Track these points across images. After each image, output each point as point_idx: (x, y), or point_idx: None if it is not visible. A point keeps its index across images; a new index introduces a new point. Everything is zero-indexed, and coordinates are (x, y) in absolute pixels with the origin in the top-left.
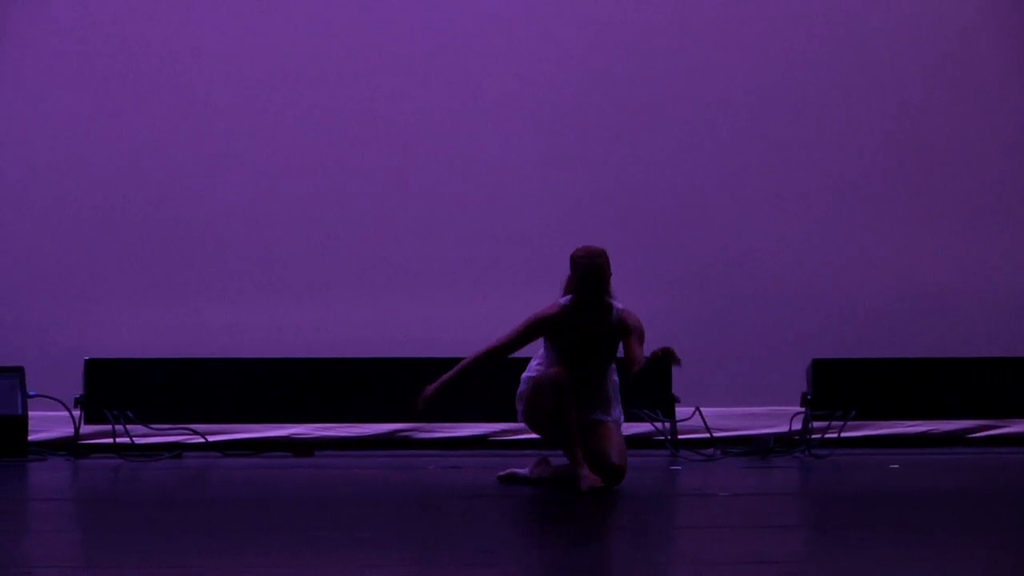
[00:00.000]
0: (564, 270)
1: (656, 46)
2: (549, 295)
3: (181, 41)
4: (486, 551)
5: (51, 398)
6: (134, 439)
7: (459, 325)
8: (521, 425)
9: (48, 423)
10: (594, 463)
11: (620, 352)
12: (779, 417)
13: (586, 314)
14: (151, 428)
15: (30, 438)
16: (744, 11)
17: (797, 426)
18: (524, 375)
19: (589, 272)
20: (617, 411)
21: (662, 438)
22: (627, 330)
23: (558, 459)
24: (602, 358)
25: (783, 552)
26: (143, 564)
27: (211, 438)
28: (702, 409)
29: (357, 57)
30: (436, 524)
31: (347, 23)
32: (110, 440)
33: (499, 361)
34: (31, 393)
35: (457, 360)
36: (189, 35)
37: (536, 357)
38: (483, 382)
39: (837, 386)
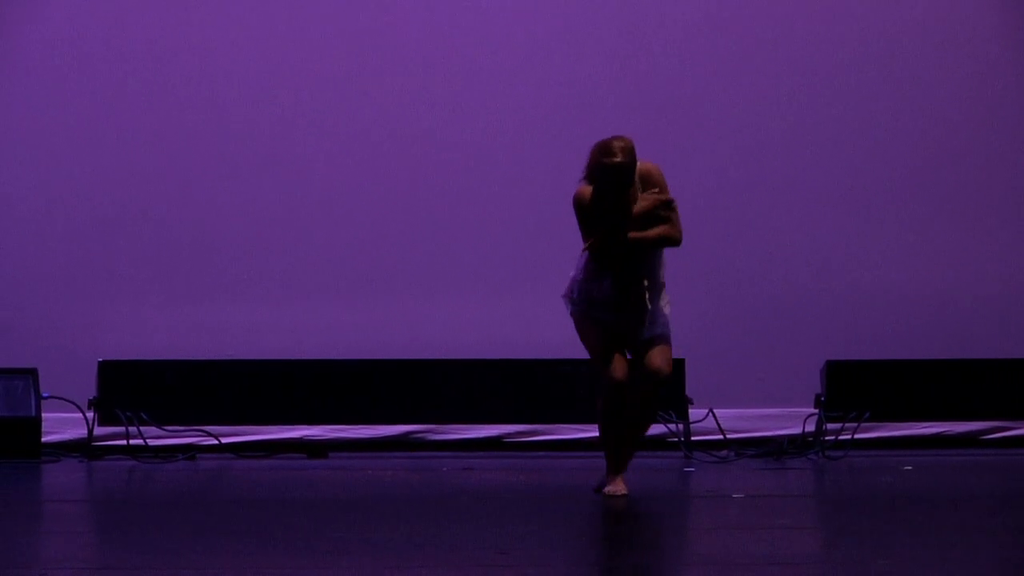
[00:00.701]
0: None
1: (671, 48)
2: (548, 301)
3: (189, 41)
4: (503, 552)
5: (65, 400)
6: (148, 441)
7: (473, 326)
8: (536, 427)
9: (62, 425)
10: (644, 376)
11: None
12: (793, 418)
13: (608, 211)
14: (165, 430)
15: (44, 440)
16: (758, 14)
17: (811, 427)
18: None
19: (607, 180)
20: (666, 310)
21: (675, 439)
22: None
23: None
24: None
25: (798, 554)
26: (158, 565)
27: (225, 440)
28: (715, 410)
29: (361, 57)
30: (453, 525)
31: (350, 23)
32: (124, 442)
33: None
34: (44, 395)
35: (471, 361)
36: (196, 35)
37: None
38: (496, 385)
39: (851, 387)
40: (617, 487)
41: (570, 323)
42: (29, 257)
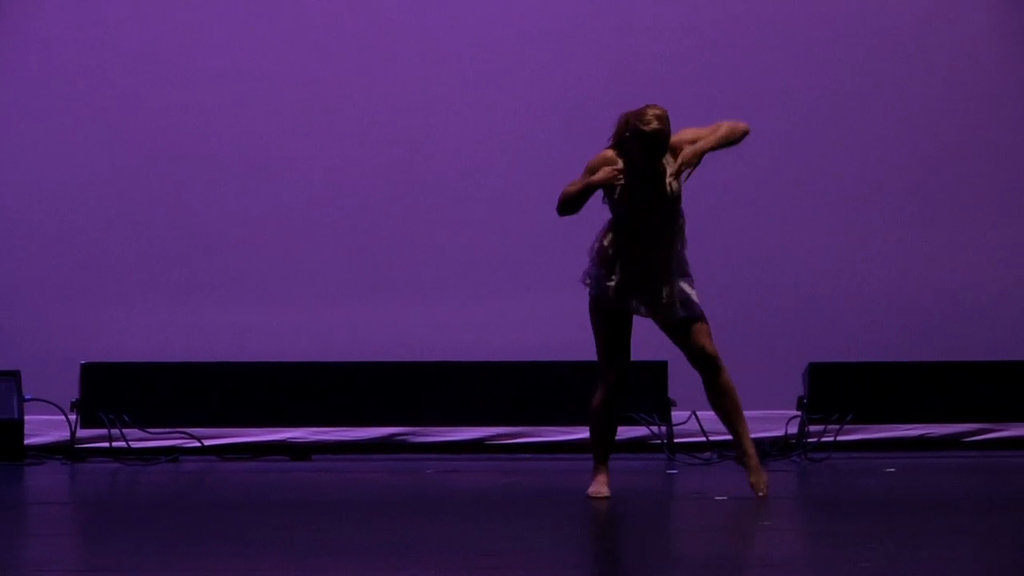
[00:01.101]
0: (566, 272)
1: (663, 50)
2: (550, 298)
3: (172, 42)
4: (488, 554)
5: (47, 402)
6: (130, 443)
7: (457, 328)
8: (520, 429)
9: (44, 427)
10: (694, 359)
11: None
12: (775, 421)
13: (640, 178)
14: (148, 432)
15: (26, 442)
16: (747, 15)
17: (793, 430)
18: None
19: (644, 146)
20: (689, 288)
21: (658, 442)
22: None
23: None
24: (669, 215)
25: (781, 555)
26: (141, 568)
27: (208, 442)
28: (698, 413)
29: (355, 58)
30: (437, 527)
31: (333, 25)
32: (106, 444)
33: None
34: (27, 397)
35: (455, 364)
36: (175, 34)
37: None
38: (480, 387)
39: (833, 389)
40: (600, 488)
41: (554, 326)
42: (12, 259)
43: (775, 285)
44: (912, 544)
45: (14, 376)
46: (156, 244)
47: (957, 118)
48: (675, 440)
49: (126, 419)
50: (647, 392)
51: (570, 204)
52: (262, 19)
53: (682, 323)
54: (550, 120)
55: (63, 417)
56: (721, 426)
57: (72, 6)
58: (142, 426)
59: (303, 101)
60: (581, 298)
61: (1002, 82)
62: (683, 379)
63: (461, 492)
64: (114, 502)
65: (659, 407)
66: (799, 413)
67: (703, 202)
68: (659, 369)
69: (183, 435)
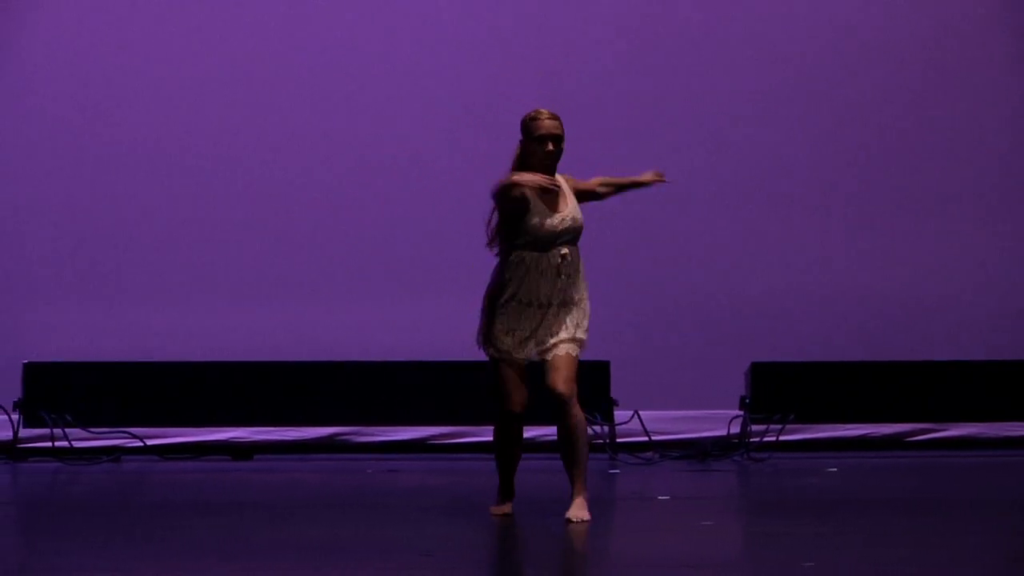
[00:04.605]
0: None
1: (605, 47)
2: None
3: (114, 39)
4: (428, 554)
5: None
6: (72, 443)
7: (398, 329)
8: (460, 429)
9: None
10: (546, 393)
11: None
12: (718, 420)
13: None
14: (90, 432)
15: None
16: (692, 12)
17: (736, 429)
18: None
19: (548, 134)
20: (582, 307)
21: (601, 441)
22: (583, 186)
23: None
24: (572, 236)
25: (725, 555)
26: (81, 568)
27: (149, 442)
28: (640, 412)
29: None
30: (377, 527)
31: (295, 29)
32: (49, 444)
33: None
34: None
35: (396, 364)
36: (113, 32)
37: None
38: (422, 386)
39: (775, 389)
40: (503, 510)
41: None
42: None
43: (717, 285)
44: (855, 544)
45: None
46: (98, 244)
47: (903, 121)
48: (617, 440)
49: (68, 419)
50: (589, 392)
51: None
52: (208, 19)
53: (549, 349)
54: (472, 121)
55: (6, 416)
56: (664, 426)
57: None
58: (84, 426)
59: (241, 103)
60: None
61: (951, 85)
62: (625, 379)
63: (402, 492)
64: (55, 502)
65: (601, 407)
66: (741, 413)
67: (649, 203)
68: (601, 369)
69: (125, 435)
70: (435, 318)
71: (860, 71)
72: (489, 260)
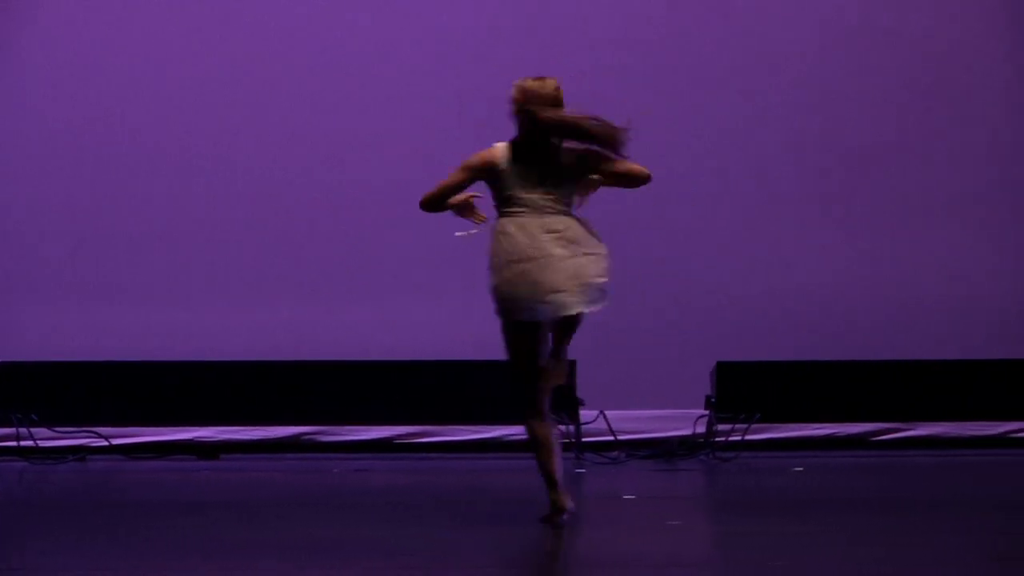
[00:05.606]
0: (475, 273)
1: (584, 46)
2: (458, 297)
3: (91, 38)
4: (394, 553)
5: None
6: (38, 442)
7: (364, 328)
8: (427, 428)
9: None
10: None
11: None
12: (684, 420)
13: (530, 158)
14: (56, 431)
15: None
16: (667, 11)
17: (702, 429)
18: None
19: (539, 101)
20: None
21: (566, 441)
22: (587, 157)
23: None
24: (559, 199)
25: (692, 555)
26: (46, 568)
27: (115, 441)
28: (606, 412)
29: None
30: (343, 527)
31: (254, 28)
32: (14, 443)
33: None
34: None
35: (362, 363)
36: (94, 32)
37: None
38: (389, 386)
39: (741, 388)
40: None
41: (462, 325)
42: None
43: (683, 284)
44: (822, 543)
45: None
46: (64, 243)
47: (873, 122)
48: (583, 439)
49: (34, 418)
50: (555, 391)
51: (433, 207)
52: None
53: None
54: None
55: None
56: (630, 425)
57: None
58: (50, 425)
59: (210, 100)
60: (487, 298)
61: (924, 85)
62: (591, 379)
63: (369, 491)
64: (20, 501)
65: (567, 406)
66: (707, 412)
67: (610, 202)
68: (567, 369)
69: (91, 434)
70: (401, 319)
71: (844, 71)
72: (460, 261)
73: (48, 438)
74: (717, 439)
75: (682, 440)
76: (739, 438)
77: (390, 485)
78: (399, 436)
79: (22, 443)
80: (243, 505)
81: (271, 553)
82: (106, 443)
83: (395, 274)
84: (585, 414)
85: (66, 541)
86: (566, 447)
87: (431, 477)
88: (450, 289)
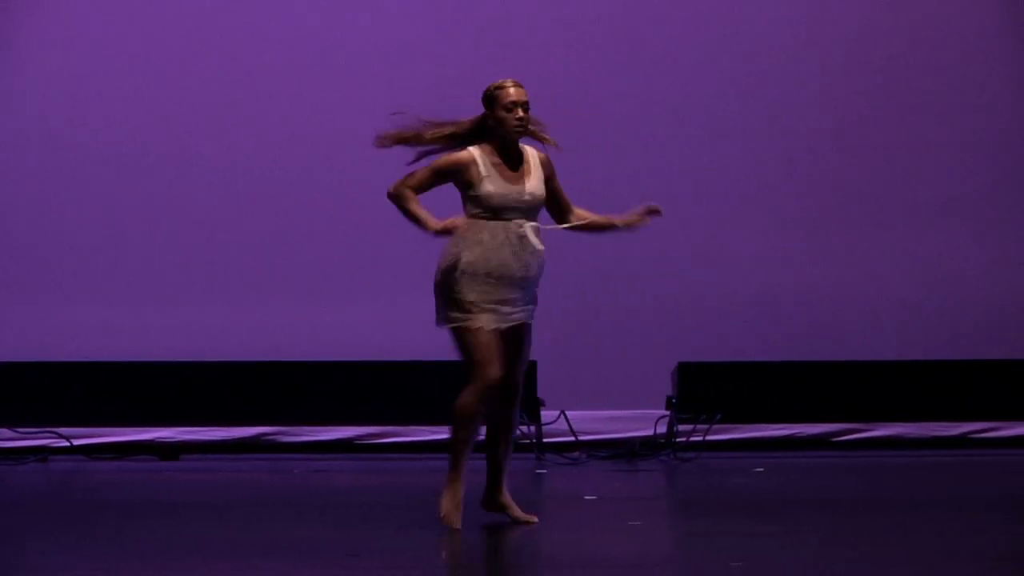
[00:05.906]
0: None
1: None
2: (418, 298)
3: (66, 37)
4: (355, 554)
5: None
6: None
7: (325, 328)
8: (388, 429)
9: None
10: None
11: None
12: (645, 420)
13: (503, 160)
14: (16, 431)
15: None
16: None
17: (663, 429)
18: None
19: (517, 101)
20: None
21: (527, 441)
22: (550, 174)
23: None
24: (530, 210)
25: (653, 555)
26: (5, 570)
27: (76, 441)
28: (567, 412)
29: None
30: (304, 527)
31: (206, 24)
32: None
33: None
34: None
35: (324, 363)
36: (67, 30)
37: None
38: (349, 387)
39: (702, 389)
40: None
41: (421, 326)
42: None
43: (643, 285)
44: (783, 543)
45: None
46: (24, 242)
47: (834, 120)
48: (544, 440)
49: None
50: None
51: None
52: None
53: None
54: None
55: None
56: (591, 426)
57: None
58: (11, 425)
59: (180, 99)
60: None
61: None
62: (551, 379)
63: (328, 492)
64: None
65: (528, 406)
66: (668, 413)
67: (574, 199)
68: (528, 369)
69: (51, 434)
70: (363, 319)
71: (801, 67)
72: (419, 261)
73: (9, 439)
74: (678, 439)
75: (643, 440)
76: (700, 438)
77: (352, 485)
78: (360, 437)
79: None
80: (193, 506)
81: (255, 553)
82: (67, 444)
83: (361, 275)
84: (546, 414)
85: (15, 541)
86: (527, 447)
87: (392, 477)
88: (415, 291)
